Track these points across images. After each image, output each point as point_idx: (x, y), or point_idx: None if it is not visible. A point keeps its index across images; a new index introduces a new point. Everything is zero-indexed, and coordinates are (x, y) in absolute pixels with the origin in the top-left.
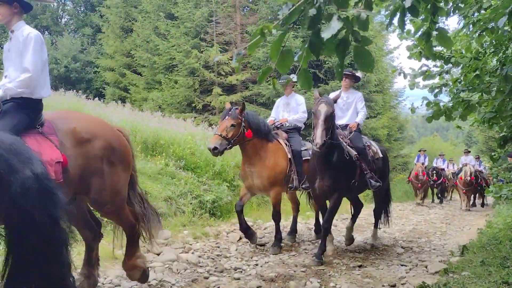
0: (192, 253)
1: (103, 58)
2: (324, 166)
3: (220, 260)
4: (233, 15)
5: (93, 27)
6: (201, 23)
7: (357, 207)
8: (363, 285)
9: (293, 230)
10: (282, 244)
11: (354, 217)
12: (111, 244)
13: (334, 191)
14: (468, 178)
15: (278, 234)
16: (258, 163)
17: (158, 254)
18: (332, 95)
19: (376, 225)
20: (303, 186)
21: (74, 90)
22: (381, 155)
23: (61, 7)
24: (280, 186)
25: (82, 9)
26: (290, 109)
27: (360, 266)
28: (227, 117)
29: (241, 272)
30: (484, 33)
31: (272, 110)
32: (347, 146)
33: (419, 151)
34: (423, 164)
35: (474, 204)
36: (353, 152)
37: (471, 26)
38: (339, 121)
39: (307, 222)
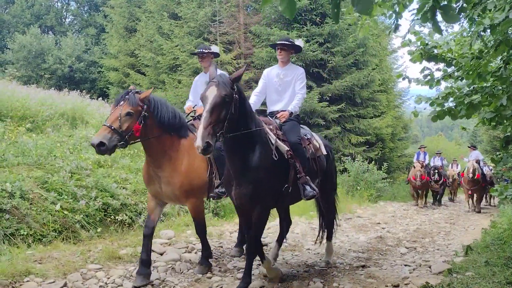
0: (195, 253)
1: (107, 58)
2: (240, 167)
3: (223, 260)
4: (237, 14)
5: (97, 27)
6: (204, 23)
7: (286, 223)
8: (367, 285)
9: (241, 241)
10: (286, 244)
11: (281, 236)
12: (114, 244)
13: (255, 201)
14: (471, 175)
15: (206, 250)
16: (167, 166)
17: (162, 254)
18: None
19: (330, 237)
20: (219, 190)
21: (78, 90)
22: (325, 152)
23: (65, 7)
24: (198, 196)
25: (86, 9)
26: None
27: (363, 266)
28: (121, 102)
29: None
30: (499, 47)
31: (190, 91)
32: (277, 140)
33: (419, 148)
34: (423, 162)
35: (478, 209)
36: (284, 148)
37: (479, 30)
38: (275, 107)
39: (310, 222)
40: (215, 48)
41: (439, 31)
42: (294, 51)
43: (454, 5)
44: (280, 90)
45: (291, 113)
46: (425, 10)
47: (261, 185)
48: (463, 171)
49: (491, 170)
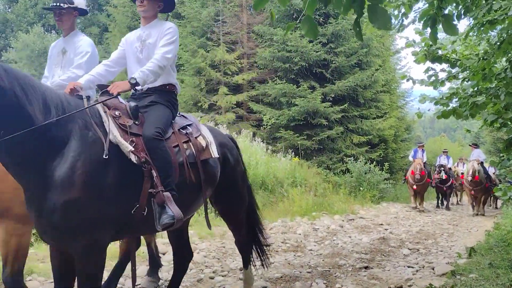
0: (198, 253)
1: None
2: (35, 183)
3: (225, 260)
4: (240, 14)
5: (100, 26)
6: (207, 23)
7: (180, 262)
8: (369, 286)
9: (155, 267)
10: (288, 245)
11: (151, 270)
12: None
13: (69, 238)
14: (470, 178)
15: None
16: None
17: (164, 254)
18: None
19: (246, 263)
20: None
21: None
22: (215, 155)
23: None
24: (15, 219)
25: (89, 8)
26: (66, 62)
27: (366, 268)
28: None
29: None
30: (502, 45)
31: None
32: (117, 136)
33: (418, 146)
34: (421, 159)
35: (482, 212)
36: (127, 147)
37: (481, 28)
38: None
39: (313, 223)
40: (79, 2)
41: (435, 40)
42: (167, 8)
43: (456, 21)
44: (142, 57)
45: (134, 83)
46: (427, 18)
47: (76, 210)
48: (464, 174)
49: (494, 173)
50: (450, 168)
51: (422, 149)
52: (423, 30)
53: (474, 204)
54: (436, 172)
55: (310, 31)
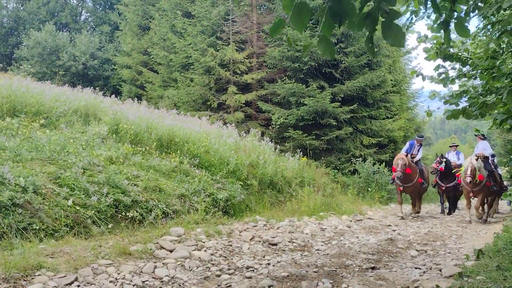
0: (205, 250)
1: (121, 55)
2: None
3: (232, 259)
4: (250, 13)
5: (111, 24)
6: (217, 22)
7: None
8: (376, 287)
9: None
10: (295, 244)
11: None
12: (125, 240)
13: None
14: (469, 179)
15: None
16: None
17: (171, 251)
18: None
19: None
20: None
21: (92, 87)
22: None
23: (80, 4)
24: None
25: (100, 7)
26: None
27: (373, 268)
28: None
29: (253, 271)
30: (503, 35)
31: None
32: None
33: (416, 139)
34: (412, 155)
35: (486, 217)
36: None
37: (489, 27)
38: None
39: (320, 223)
40: None
41: (449, 42)
42: None
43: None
44: None
45: None
46: (440, 22)
47: None
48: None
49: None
50: (460, 165)
51: (420, 144)
52: (436, 32)
53: (470, 207)
54: (435, 162)
55: (326, 50)
